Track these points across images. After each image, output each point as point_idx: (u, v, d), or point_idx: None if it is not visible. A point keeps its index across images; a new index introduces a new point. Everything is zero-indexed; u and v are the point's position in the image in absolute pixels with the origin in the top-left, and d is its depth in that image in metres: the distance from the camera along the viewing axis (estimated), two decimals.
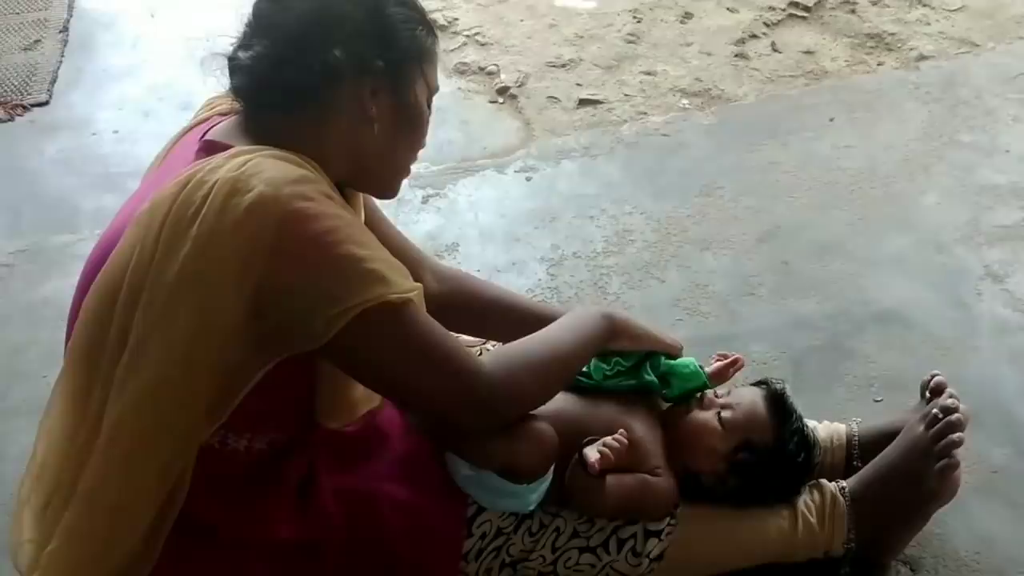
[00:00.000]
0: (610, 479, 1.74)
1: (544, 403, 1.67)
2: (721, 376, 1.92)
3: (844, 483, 1.87)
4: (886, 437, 1.89)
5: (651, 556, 1.78)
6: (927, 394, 1.89)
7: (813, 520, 1.83)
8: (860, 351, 2.27)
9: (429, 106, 1.61)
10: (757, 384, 1.91)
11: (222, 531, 1.60)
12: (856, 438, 1.95)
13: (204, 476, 1.53)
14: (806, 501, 1.85)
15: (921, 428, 1.83)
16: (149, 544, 1.54)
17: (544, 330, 1.70)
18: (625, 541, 1.78)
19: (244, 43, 1.52)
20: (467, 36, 3.28)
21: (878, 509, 1.83)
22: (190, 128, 1.66)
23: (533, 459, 1.68)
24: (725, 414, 1.82)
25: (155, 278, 1.43)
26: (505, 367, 1.57)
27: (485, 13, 3.37)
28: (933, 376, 1.90)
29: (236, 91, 1.54)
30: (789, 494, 1.85)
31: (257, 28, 1.51)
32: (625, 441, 1.71)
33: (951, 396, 1.85)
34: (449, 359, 1.50)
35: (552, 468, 1.70)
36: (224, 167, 1.42)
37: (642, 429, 1.83)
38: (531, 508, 1.74)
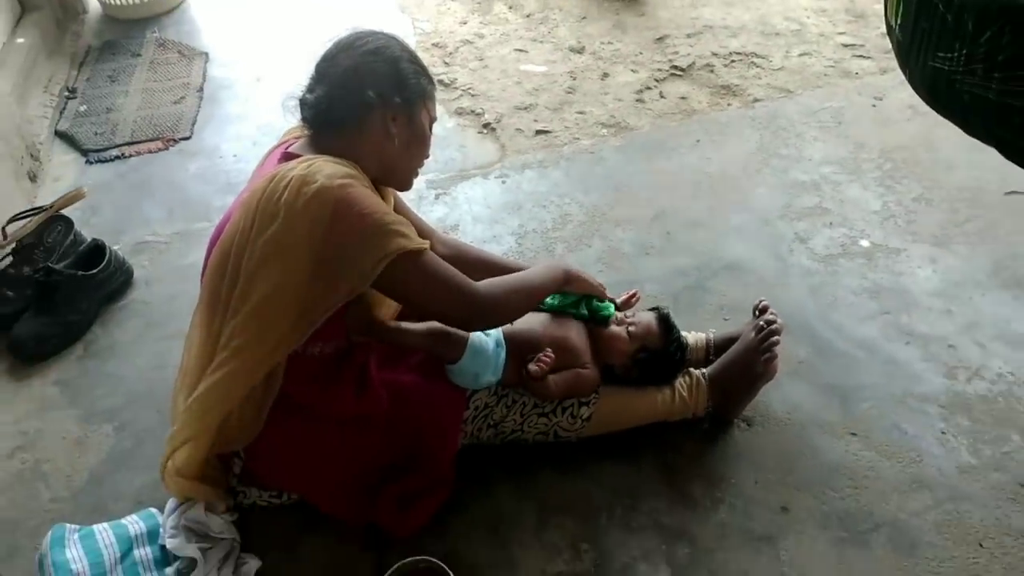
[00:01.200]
0: (553, 377, 1.76)
1: (518, 318, 1.73)
2: (627, 304, 1.94)
3: (705, 370, 1.90)
4: (731, 341, 1.93)
5: (583, 417, 1.82)
6: (756, 312, 1.91)
7: (685, 394, 1.87)
8: (715, 288, 2.29)
9: (431, 129, 1.63)
10: (651, 309, 1.93)
11: (307, 407, 1.62)
12: (712, 342, 1.98)
13: (295, 371, 1.54)
14: (681, 382, 1.89)
15: (753, 334, 1.86)
16: (254, 416, 1.56)
17: (523, 272, 1.72)
18: (567, 408, 1.82)
19: (308, 88, 1.53)
20: (463, 90, 3.25)
21: (726, 386, 1.87)
22: (275, 148, 1.66)
23: (442, 345, 1.72)
24: (631, 328, 1.85)
25: (253, 241, 1.45)
26: (494, 291, 1.59)
27: (474, 76, 3.34)
28: (760, 301, 1.92)
29: (304, 121, 1.55)
30: (670, 378, 1.88)
31: (317, 78, 1.56)
32: (552, 356, 1.74)
33: (772, 313, 1.88)
34: (458, 286, 1.53)
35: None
36: (298, 168, 1.44)
37: (576, 338, 1.86)
38: (494, 381, 1.75)
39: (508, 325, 1.84)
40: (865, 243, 2.42)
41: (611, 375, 1.86)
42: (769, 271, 2.34)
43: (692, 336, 1.99)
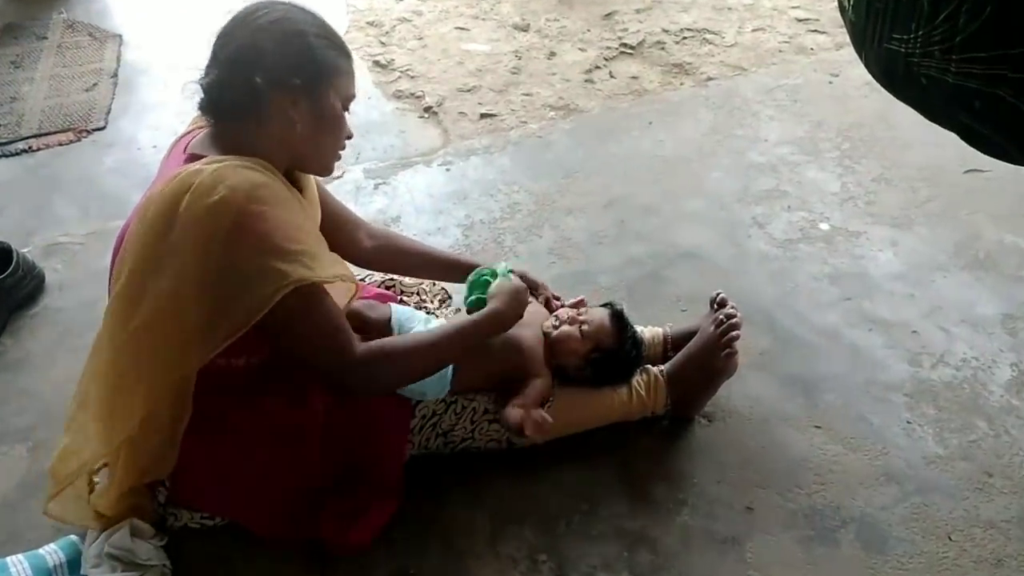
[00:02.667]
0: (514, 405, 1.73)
1: (403, 387, 1.66)
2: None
3: (663, 367, 1.90)
4: (689, 335, 1.93)
5: None
6: (714, 306, 1.92)
7: (643, 392, 1.86)
8: (671, 278, 2.30)
9: (346, 108, 1.51)
10: (604, 305, 1.92)
11: (234, 423, 1.57)
12: (669, 337, 1.99)
13: (217, 383, 1.50)
14: (638, 380, 1.88)
15: (712, 328, 1.87)
16: (165, 444, 1.51)
17: (440, 331, 1.63)
18: None
19: (204, 72, 1.45)
20: (401, 71, 3.21)
21: (685, 383, 1.88)
22: (181, 138, 1.60)
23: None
24: (583, 327, 1.84)
25: (150, 251, 1.39)
26: (371, 360, 1.52)
27: (413, 56, 3.30)
28: (718, 294, 1.94)
29: (200, 109, 1.49)
30: (626, 377, 1.88)
31: (211, 59, 1.46)
32: (549, 419, 1.71)
33: (732, 307, 1.89)
34: (336, 339, 1.47)
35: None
36: (200, 173, 1.37)
37: (530, 339, 1.84)
38: (442, 395, 1.74)
39: None
40: (824, 226, 2.45)
41: (565, 376, 1.86)
42: (727, 258, 2.36)
43: (648, 331, 2.00)
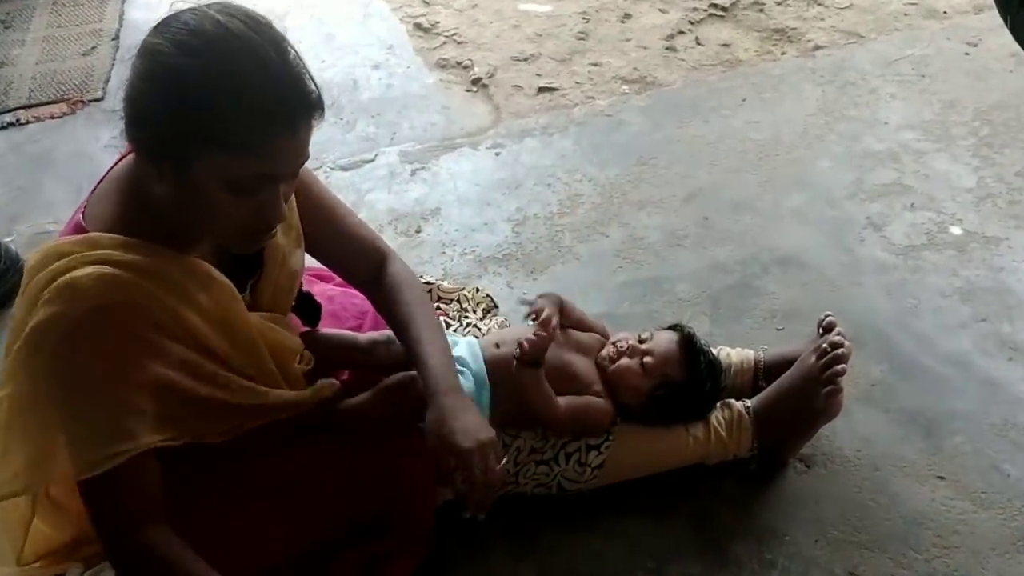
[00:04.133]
0: (561, 399, 1.73)
1: None
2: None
3: (749, 402, 1.85)
4: (786, 363, 1.88)
5: (593, 465, 1.78)
6: (820, 331, 1.85)
7: (723, 433, 1.83)
8: (765, 289, 2.24)
9: (237, 192, 1.24)
10: (671, 328, 1.88)
11: (218, 480, 1.55)
12: (762, 363, 1.93)
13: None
14: (717, 417, 1.84)
15: (813, 359, 1.81)
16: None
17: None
18: (572, 454, 1.79)
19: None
20: (446, 36, 3.21)
21: (776, 423, 1.83)
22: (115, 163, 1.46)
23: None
24: (646, 359, 1.81)
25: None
26: (148, 557, 1.37)
27: (461, 17, 3.29)
28: (826, 316, 1.87)
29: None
30: (702, 414, 1.83)
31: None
32: (545, 333, 1.69)
33: (839, 334, 1.83)
34: (114, 523, 1.37)
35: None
36: (60, 271, 1.27)
37: (581, 364, 1.83)
38: None
39: (492, 350, 1.79)
40: (956, 230, 2.37)
41: (626, 413, 1.82)
42: (834, 266, 2.29)
43: (736, 354, 1.94)
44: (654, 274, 2.29)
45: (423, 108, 2.89)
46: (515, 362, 1.72)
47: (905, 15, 3.19)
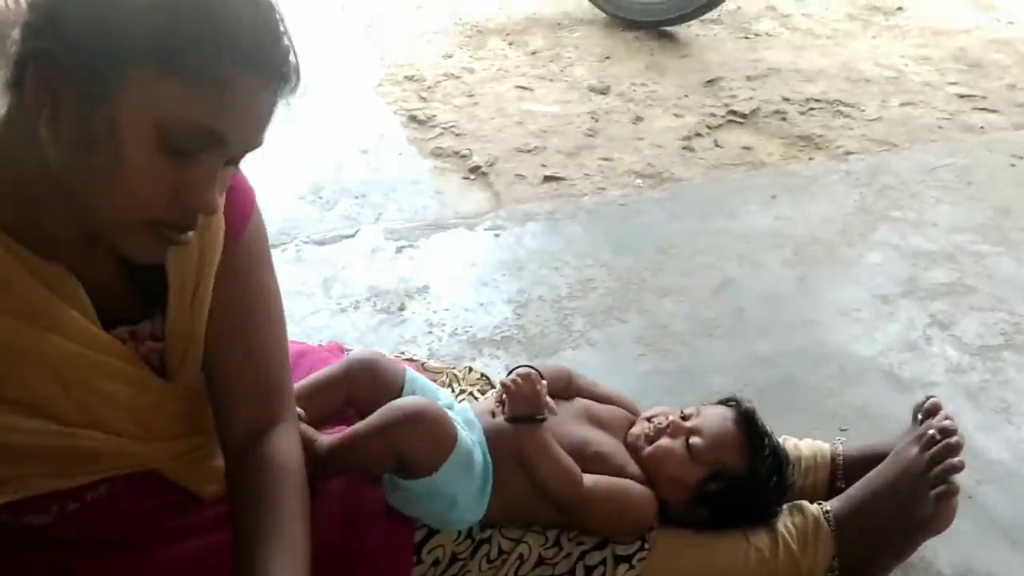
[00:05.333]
0: (587, 476, 1.31)
1: None
2: None
3: (828, 505, 1.41)
4: (873, 458, 1.45)
5: None
6: (920, 416, 1.44)
7: (794, 546, 1.38)
8: (820, 385, 1.87)
9: (167, 146, 0.89)
10: (725, 403, 1.46)
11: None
12: (841, 457, 1.50)
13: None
14: (786, 524, 1.40)
15: (915, 450, 1.39)
16: None
17: None
18: (593, 568, 1.34)
19: None
20: (443, 128, 2.90)
21: (865, 535, 1.38)
22: None
23: (421, 441, 1.25)
24: (693, 440, 1.37)
25: None
26: None
27: (460, 113, 3.00)
28: (928, 398, 1.46)
29: None
30: (766, 518, 1.39)
31: None
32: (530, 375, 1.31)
33: (947, 418, 1.41)
34: None
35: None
36: None
37: (607, 443, 1.39)
38: (478, 519, 1.28)
39: (488, 418, 1.38)
40: None
41: (665, 515, 1.38)
42: (902, 365, 1.92)
43: (806, 446, 1.53)
44: (684, 365, 1.89)
45: (414, 192, 2.54)
46: (512, 426, 1.30)
47: (939, 128, 2.93)
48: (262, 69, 0.91)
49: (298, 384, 1.36)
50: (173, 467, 1.14)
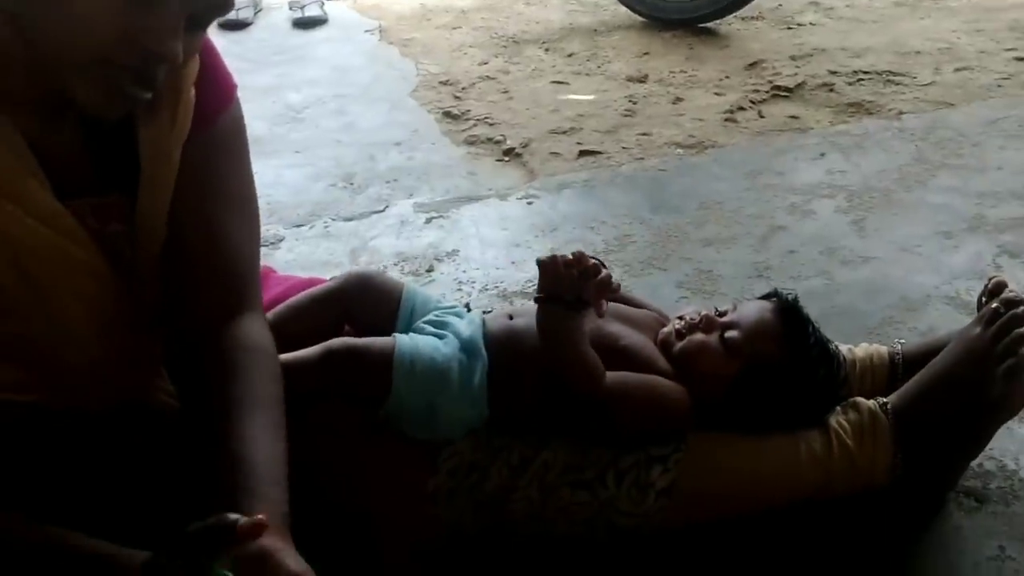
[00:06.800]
0: (609, 373, 1.18)
1: None
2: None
3: (886, 399, 1.25)
4: (936, 352, 1.28)
5: (658, 489, 1.18)
6: (985, 298, 1.28)
7: (850, 442, 1.22)
8: (881, 315, 1.72)
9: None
10: (765, 298, 1.31)
11: None
12: (900, 356, 1.35)
13: None
14: (839, 421, 1.23)
15: (979, 329, 1.23)
16: None
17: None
18: (626, 472, 1.20)
19: None
20: (477, 119, 2.82)
21: (929, 425, 1.22)
22: None
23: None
24: (729, 334, 1.23)
25: None
26: None
27: (493, 107, 2.93)
28: (992, 278, 1.29)
29: None
30: (817, 416, 1.24)
31: None
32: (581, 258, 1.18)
33: (1013, 292, 1.25)
34: None
35: None
36: None
37: (633, 337, 1.26)
38: (474, 416, 1.23)
39: (503, 320, 1.29)
40: None
41: (703, 416, 1.24)
42: (967, 290, 1.75)
43: (862, 349, 1.38)
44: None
45: (447, 175, 2.46)
46: (537, 305, 1.18)
47: (999, 86, 2.77)
48: None
49: (292, 299, 1.28)
50: None
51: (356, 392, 1.18)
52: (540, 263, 1.19)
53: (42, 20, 0.83)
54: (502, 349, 1.22)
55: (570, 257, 1.17)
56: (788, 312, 1.25)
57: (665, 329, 1.28)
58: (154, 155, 1.00)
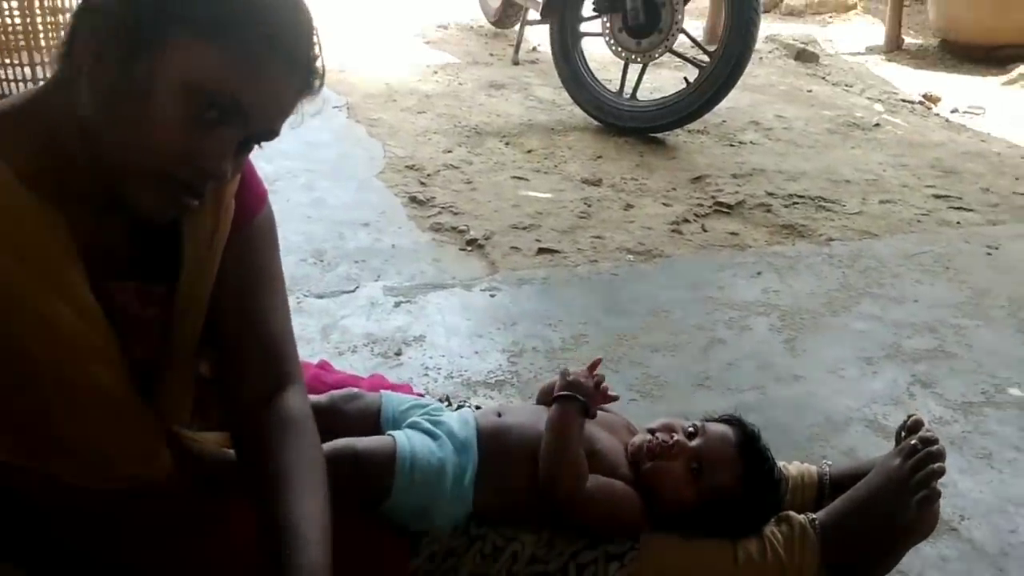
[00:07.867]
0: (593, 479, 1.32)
1: None
2: None
3: (814, 515, 1.41)
4: (858, 477, 1.45)
5: None
6: (902, 434, 1.45)
7: (781, 551, 1.36)
8: (807, 432, 1.88)
9: (193, 108, 0.95)
10: (725, 420, 1.46)
11: None
12: (827, 476, 1.50)
13: None
14: (773, 531, 1.39)
15: (898, 460, 1.40)
16: None
17: None
18: (585, 567, 1.34)
19: None
20: (442, 207, 2.98)
21: (851, 541, 1.38)
22: None
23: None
24: (695, 465, 1.38)
25: None
26: None
27: (457, 196, 3.09)
28: (911, 416, 1.46)
29: None
30: (756, 528, 1.39)
31: None
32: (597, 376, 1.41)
33: (929, 431, 1.42)
34: None
35: None
36: None
37: (608, 442, 1.41)
38: (463, 515, 1.34)
39: (492, 418, 1.41)
40: (1016, 391, 2.03)
41: (657, 519, 1.38)
42: (883, 415, 1.94)
43: (795, 467, 1.53)
44: (676, 410, 1.89)
45: (413, 260, 2.59)
46: (554, 403, 1.34)
47: (918, 221, 3.03)
48: (294, 61, 0.99)
49: None
50: None
51: (354, 496, 1.26)
52: (563, 372, 1.39)
53: (115, 132, 0.96)
54: (491, 446, 1.34)
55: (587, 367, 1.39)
56: (749, 445, 1.39)
57: (636, 440, 1.41)
58: (197, 250, 1.12)
